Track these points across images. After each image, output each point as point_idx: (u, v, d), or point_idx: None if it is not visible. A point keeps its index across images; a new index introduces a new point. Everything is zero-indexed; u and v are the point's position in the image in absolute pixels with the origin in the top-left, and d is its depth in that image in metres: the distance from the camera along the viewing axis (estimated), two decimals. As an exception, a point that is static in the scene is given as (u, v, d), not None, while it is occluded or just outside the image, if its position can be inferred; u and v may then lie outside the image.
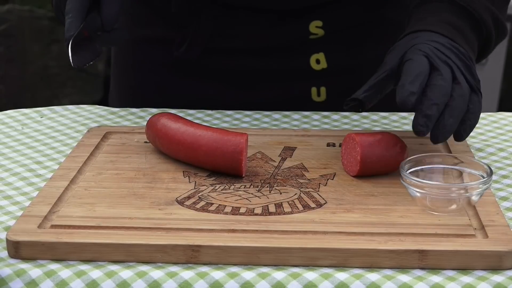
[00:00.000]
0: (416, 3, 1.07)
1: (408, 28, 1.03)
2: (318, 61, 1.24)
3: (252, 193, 0.93)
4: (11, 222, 0.89)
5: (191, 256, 0.81)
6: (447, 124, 0.92)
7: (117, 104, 1.35)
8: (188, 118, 1.19)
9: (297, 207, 0.90)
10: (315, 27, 1.23)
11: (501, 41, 1.12)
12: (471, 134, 1.15)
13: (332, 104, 1.24)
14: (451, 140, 1.08)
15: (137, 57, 1.32)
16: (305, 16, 1.23)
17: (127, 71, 1.35)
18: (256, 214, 0.88)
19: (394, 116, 1.22)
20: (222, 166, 0.97)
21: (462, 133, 0.95)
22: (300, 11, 1.23)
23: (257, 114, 1.22)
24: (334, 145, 1.07)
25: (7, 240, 0.83)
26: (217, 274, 0.79)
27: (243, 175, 0.97)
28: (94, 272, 0.79)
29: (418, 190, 0.87)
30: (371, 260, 0.81)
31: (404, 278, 0.78)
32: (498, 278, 0.79)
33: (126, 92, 1.36)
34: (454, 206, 0.87)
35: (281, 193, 0.93)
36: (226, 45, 1.24)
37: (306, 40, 1.24)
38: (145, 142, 1.08)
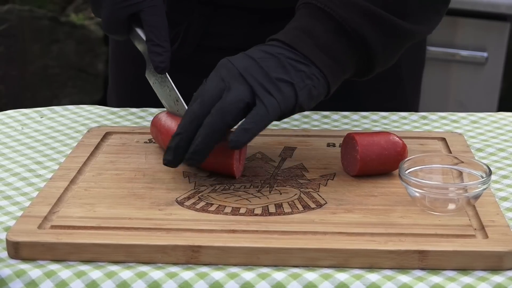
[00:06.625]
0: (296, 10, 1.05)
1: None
2: None
3: (252, 194, 0.93)
4: (11, 223, 0.89)
5: (191, 256, 0.81)
6: (195, 145, 0.91)
7: (115, 101, 1.35)
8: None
9: (297, 207, 0.90)
10: None
11: (407, 39, 1.01)
12: (471, 134, 1.15)
13: (326, 99, 1.24)
14: (451, 140, 1.08)
15: (134, 53, 1.32)
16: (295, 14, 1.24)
17: (124, 67, 1.35)
18: (256, 215, 0.88)
19: (394, 116, 1.22)
20: (216, 168, 0.97)
21: (232, 137, 0.89)
22: (290, 9, 1.23)
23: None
24: (334, 145, 1.07)
25: (7, 241, 0.83)
26: (217, 274, 0.79)
27: (236, 177, 0.97)
28: (94, 273, 0.79)
29: (417, 190, 0.87)
30: (371, 261, 0.81)
31: (404, 278, 0.78)
32: (498, 278, 0.78)
33: (124, 88, 1.36)
34: (453, 206, 0.87)
35: (281, 194, 0.93)
36: (219, 43, 1.25)
37: None
38: (145, 142, 1.08)
